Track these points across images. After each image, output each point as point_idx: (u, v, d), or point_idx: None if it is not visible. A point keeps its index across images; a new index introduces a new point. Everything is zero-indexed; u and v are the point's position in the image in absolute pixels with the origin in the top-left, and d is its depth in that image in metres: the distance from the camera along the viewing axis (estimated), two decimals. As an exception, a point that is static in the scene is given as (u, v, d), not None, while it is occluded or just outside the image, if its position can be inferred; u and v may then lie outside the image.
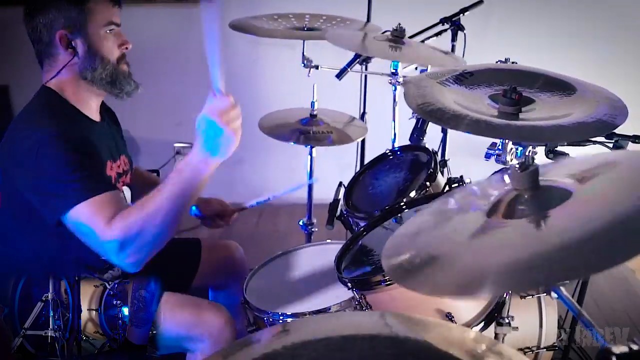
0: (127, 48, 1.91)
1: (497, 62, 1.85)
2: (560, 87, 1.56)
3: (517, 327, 1.73)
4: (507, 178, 1.22)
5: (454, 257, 1.12)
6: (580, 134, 1.37)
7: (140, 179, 2.29)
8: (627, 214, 0.99)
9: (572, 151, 1.93)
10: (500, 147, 1.56)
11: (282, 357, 1.00)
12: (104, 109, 2.02)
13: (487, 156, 1.59)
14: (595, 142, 1.92)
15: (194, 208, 2.24)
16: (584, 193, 1.14)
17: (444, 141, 2.91)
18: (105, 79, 1.86)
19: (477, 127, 1.33)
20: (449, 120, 1.36)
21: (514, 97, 1.45)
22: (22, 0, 1.86)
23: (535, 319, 1.89)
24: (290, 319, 1.86)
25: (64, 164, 1.70)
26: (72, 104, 1.86)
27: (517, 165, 1.21)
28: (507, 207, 1.19)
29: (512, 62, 1.86)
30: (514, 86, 1.46)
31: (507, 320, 1.73)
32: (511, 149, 1.56)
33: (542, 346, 1.88)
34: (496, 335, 1.71)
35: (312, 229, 2.78)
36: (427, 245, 1.21)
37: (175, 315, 1.92)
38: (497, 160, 1.58)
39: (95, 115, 1.94)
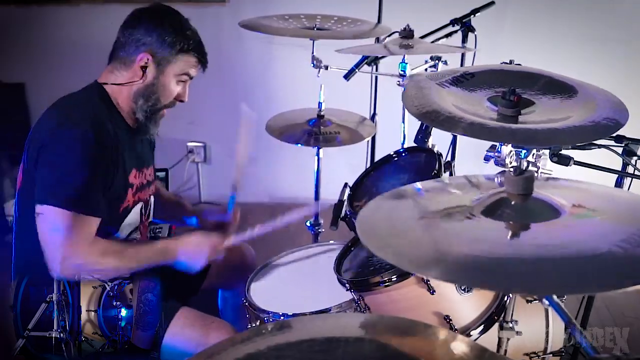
0: (181, 101, 2.02)
1: (501, 63, 1.83)
2: (562, 89, 1.53)
3: (520, 332, 1.71)
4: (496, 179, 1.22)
5: (422, 234, 1.17)
6: (576, 137, 1.35)
7: (161, 197, 2.34)
8: (600, 253, 1.03)
9: (577, 155, 1.91)
10: (499, 150, 1.54)
11: (265, 357, 1.00)
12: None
13: (487, 159, 1.57)
14: (600, 146, 1.89)
15: (194, 220, 2.28)
16: (573, 219, 1.16)
17: (453, 143, 2.90)
18: (147, 112, 1.96)
19: (471, 129, 1.32)
20: (443, 122, 1.35)
21: (512, 99, 1.43)
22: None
23: (541, 323, 1.86)
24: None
25: (83, 167, 1.79)
26: (117, 106, 1.95)
27: (512, 169, 1.20)
28: (491, 205, 1.19)
29: (517, 64, 1.83)
30: (512, 88, 1.44)
31: (510, 325, 1.70)
32: (510, 151, 1.54)
33: (548, 351, 1.86)
34: (500, 340, 1.70)
35: (319, 230, 2.78)
36: (401, 218, 1.25)
37: (184, 332, 1.95)
38: (496, 163, 1.56)
39: (133, 124, 2.00)
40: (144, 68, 1.91)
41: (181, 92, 2.00)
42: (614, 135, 1.97)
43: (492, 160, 1.56)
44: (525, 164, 1.17)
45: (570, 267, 1.01)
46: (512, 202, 1.19)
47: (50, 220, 1.77)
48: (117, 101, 1.95)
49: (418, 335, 1.08)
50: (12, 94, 3.85)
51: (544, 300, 1.18)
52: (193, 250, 1.97)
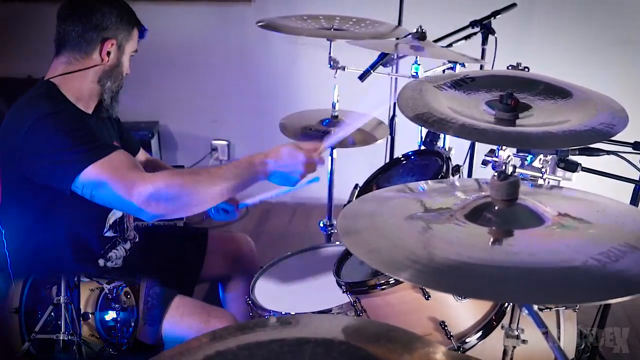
0: (127, 74, 2.04)
1: (508, 67, 1.80)
2: (561, 94, 1.52)
3: (526, 340, 1.68)
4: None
5: (402, 234, 1.15)
6: (570, 142, 1.33)
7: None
8: (575, 265, 1.01)
9: (585, 161, 1.86)
10: (497, 154, 1.52)
11: (233, 355, 1.00)
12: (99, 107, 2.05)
13: (484, 163, 1.56)
14: (609, 152, 1.84)
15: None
16: (555, 227, 1.15)
17: (471, 148, 2.87)
18: (113, 92, 1.99)
19: (462, 131, 1.31)
20: (434, 123, 1.34)
21: (510, 103, 1.42)
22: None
23: (553, 331, 1.83)
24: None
25: (66, 133, 1.77)
26: (69, 98, 1.91)
27: (496, 174, 1.18)
28: (474, 209, 1.18)
29: (524, 68, 1.80)
30: (510, 92, 1.43)
31: (515, 333, 1.67)
32: (509, 156, 1.52)
33: (560, 360, 1.82)
34: (505, 348, 1.67)
35: (332, 230, 2.78)
36: (385, 217, 1.24)
37: (183, 320, 1.94)
38: (493, 167, 1.54)
39: (88, 110, 1.99)
40: (108, 52, 1.92)
41: (128, 66, 2.03)
42: (632, 142, 1.92)
43: (489, 165, 1.55)
44: (510, 168, 1.15)
45: (541, 276, 0.99)
46: (496, 207, 1.18)
47: (95, 180, 1.73)
48: (66, 92, 1.90)
49: (395, 341, 1.06)
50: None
51: (522, 308, 1.16)
52: (286, 158, 1.81)
